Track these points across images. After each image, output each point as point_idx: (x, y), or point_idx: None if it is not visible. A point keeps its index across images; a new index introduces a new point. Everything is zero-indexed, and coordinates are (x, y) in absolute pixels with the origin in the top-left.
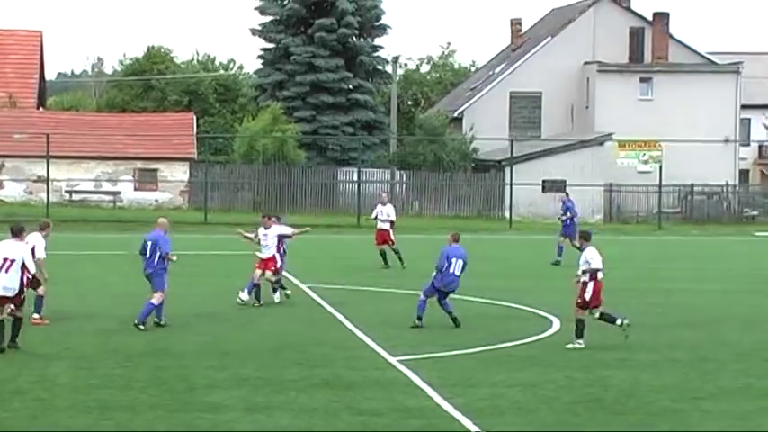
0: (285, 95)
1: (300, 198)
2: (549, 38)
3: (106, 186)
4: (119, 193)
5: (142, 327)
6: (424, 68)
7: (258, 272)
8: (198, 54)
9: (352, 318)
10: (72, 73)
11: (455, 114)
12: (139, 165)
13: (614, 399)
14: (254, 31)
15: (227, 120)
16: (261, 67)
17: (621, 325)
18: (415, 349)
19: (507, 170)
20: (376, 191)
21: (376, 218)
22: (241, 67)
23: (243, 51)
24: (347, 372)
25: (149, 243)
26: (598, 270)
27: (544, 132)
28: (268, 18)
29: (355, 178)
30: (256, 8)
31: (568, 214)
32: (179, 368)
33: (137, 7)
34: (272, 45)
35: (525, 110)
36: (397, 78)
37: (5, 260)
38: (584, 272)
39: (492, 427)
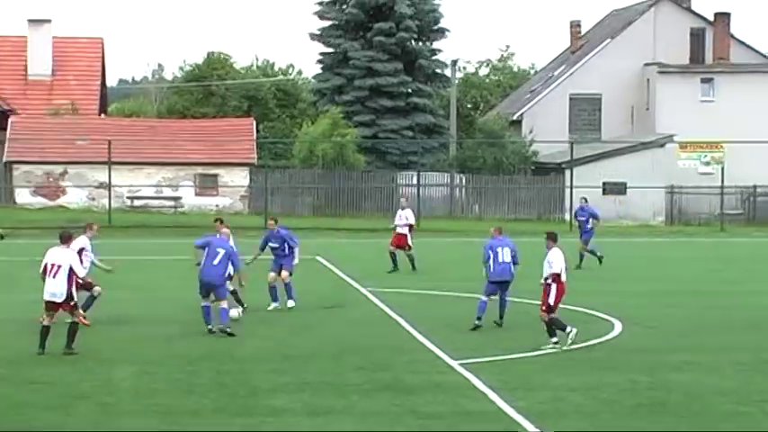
0: (344, 100)
1: (360, 202)
2: (609, 39)
3: (167, 192)
4: (179, 198)
5: (229, 329)
6: (483, 71)
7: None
8: (257, 59)
9: (412, 321)
10: (133, 79)
11: (514, 117)
12: (200, 170)
13: (678, 402)
14: (312, 36)
15: (287, 124)
16: (320, 71)
17: (568, 335)
18: (476, 352)
19: (567, 173)
20: (436, 194)
21: (396, 226)
22: (300, 72)
23: (302, 56)
24: (408, 375)
25: (221, 251)
26: (558, 273)
27: (604, 134)
28: (327, 23)
29: (415, 182)
30: (315, 13)
31: (592, 222)
32: (240, 373)
33: (196, 14)
34: (331, 50)
35: (585, 112)
36: (456, 82)
37: (53, 266)
38: (545, 278)
39: (554, 431)
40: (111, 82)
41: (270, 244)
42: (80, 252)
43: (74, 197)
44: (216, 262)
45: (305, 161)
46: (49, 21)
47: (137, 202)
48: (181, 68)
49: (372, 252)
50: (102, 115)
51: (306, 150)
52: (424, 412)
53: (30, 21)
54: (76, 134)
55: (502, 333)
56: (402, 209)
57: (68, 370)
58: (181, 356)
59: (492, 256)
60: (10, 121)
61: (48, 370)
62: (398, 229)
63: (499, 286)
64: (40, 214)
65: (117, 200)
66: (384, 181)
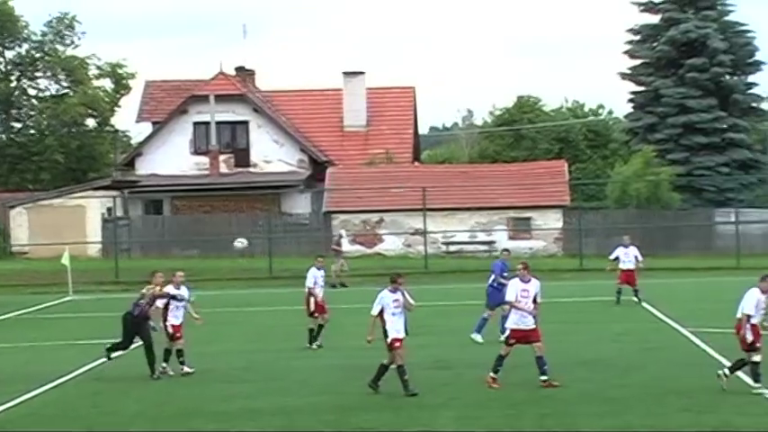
0: (657, 138)
1: (676, 241)
2: None
3: (481, 237)
4: (493, 242)
5: None
6: None
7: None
8: (567, 101)
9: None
10: (444, 126)
11: None
12: (513, 214)
13: None
14: (623, 75)
15: (599, 165)
16: (631, 110)
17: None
18: None
19: None
20: (756, 231)
21: (617, 259)
22: (611, 112)
23: (612, 96)
24: (737, 418)
25: None
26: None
27: None
28: (638, 61)
29: (733, 219)
30: (625, 52)
31: None
32: (562, 416)
33: (505, 58)
34: (642, 88)
35: None
36: None
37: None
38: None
39: None
40: (423, 130)
41: None
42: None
43: (390, 244)
44: None
45: (618, 201)
46: (362, 73)
47: (451, 248)
48: (491, 113)
49: (691, 291)
50: (416, 163)
51: (619, 190)
52: None
53: (344, 73)
54: (392, 182)
55: None
56: (626, 246)
57: (392, 416)
58: (502, 399)
59: None
60: (328, 171)
61: (374, 415)
62: (627, 266)
63: None
64: (358, 262)
65: (432, 246)
66: (700, 219)
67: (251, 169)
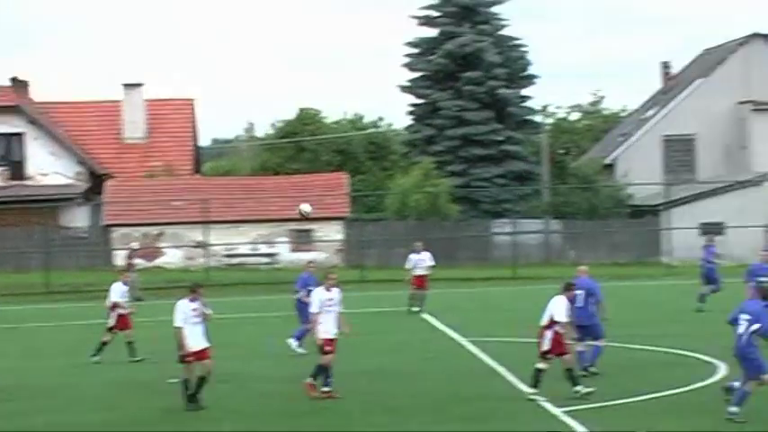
0: (436, 150)
1: (455, 252)
2: (701, 79)
3: (262, 249)
4: (275, 254)
5: (593, 368)
6: (574, 116)
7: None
8: (347, 113)
9: (513, 370)
10: (225, 139)
11: (607, 161)
12: (294, 226)
13: None
14: (402, 88)
15: (379, 177)
16: (411, 122)
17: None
18: (579, 400)
19: (663, 215)
20: (531, 241)
21: (414, 267)
22: (390, 124)
23: (392, 108)
24: (512, 424)
25: (581, 292)
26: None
27: (699, 175)
28: (416, 74)
29: (509, 229)
30: (404, 65)
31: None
32: (344, 427)
33: (285, 70)
34: (421, 100)
35: (679, 153)
36: (547, 127)
37: None
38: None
39: None
40: (205, 142)
41: None
42: None
43: (172, 258)
44: (581, 304)
45: (398, 213)
46: (141, 84)
47: (233, 260)
48: (272, 125)
49: (469, 301)
50: (197, 175)
51: (399, 202)
52: None
53: (124, 85)
54: (172, 195)
55: (604, 379)
56: (418, 252)
57: (172, 430)
58: (283, 412)
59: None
60: (106, 184)
61: (152, 429)
62: (418, 272)
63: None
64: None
65: (213, 258)
66: (478, 230)
67: (26, 182)
